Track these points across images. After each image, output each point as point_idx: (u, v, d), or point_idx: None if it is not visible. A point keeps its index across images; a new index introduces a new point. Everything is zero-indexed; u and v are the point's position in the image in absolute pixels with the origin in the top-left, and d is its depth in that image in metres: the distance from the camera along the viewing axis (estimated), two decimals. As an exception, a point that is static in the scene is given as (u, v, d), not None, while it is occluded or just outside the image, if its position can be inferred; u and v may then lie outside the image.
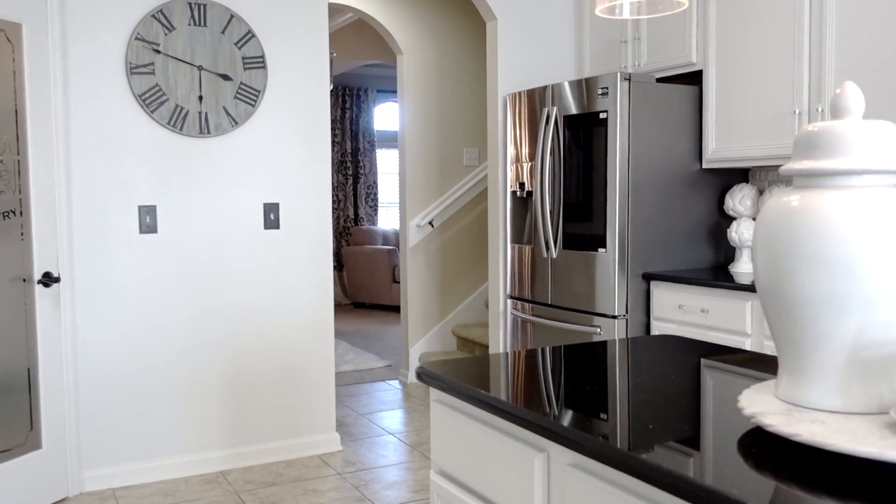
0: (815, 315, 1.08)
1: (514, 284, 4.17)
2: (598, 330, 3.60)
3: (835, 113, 1.15)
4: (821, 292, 1.07)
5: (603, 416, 1.30)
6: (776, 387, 1.19)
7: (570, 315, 3.78)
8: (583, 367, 1.68)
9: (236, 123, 3.63)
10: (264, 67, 3.67)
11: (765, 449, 1.09)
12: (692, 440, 1.17)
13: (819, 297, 1.07)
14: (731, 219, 3.81)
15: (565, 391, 1.48)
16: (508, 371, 1.64)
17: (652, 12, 1.77)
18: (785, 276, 1.10)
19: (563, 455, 1.28)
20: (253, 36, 3.64)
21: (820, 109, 3.10)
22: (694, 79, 3.76)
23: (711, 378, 1.58)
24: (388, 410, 4.73)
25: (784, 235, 1.10)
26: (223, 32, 3.58)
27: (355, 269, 8.98)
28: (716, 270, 3.62)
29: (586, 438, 1.19)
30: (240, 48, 3.61)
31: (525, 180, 4.05)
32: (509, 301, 4.22)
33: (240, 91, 3.62)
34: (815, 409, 1.11)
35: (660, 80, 3.73)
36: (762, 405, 1.15)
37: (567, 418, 1.28)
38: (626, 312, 3.54)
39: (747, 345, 3.11)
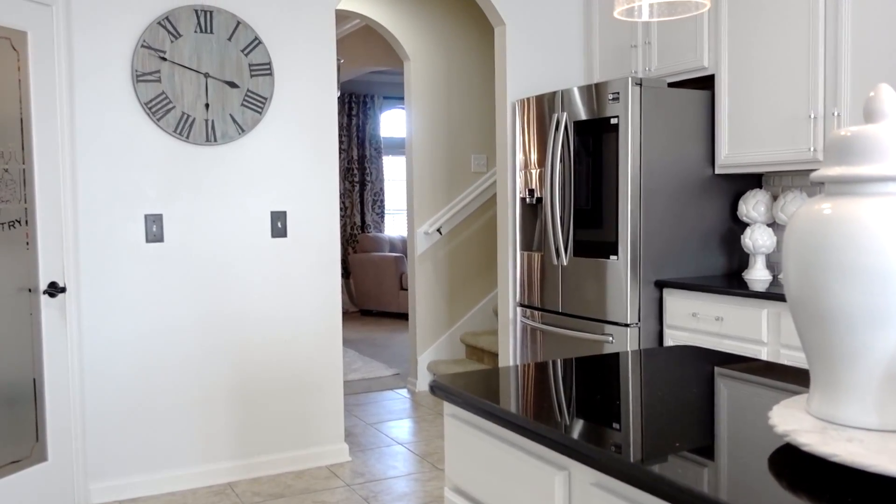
0: (851, 328, 1.03)
1: (524, 292, 4.13)
2: (610, 338, 3.55)
3: (868, 116, 1.10)
4: (857, 305, 1.02)
5: (626, 432, 1.25)
6: (808, 403, 1.15)
7: (581, 323, 3.73)
8: (601, 381, 1.63)
9: (243, 131, 3.60)
10: (271, 74, 3.63)
11: (799, 469, 1.04)
12: (721, 459, 1.13)
13: (855, 309, 1.02)
14: (744, 225, 3.76)
15: (585, 406, 1.43)
16: (525, 385, 1.60)
17: (672, 14, 1.72)
18: (818, 287, 1.05)
19: (585, 474, 1.23)
20: (260, 42, 3.60)
21: (836, 113, 3.04)
22: (706, 83, 3.72)
23: (735, 392, 1.53)
24: (396, 420, 4.68)
25: (816, 245, 1.05)
26: (230, 39, 3.54)
27: (362, 276, 8.94)
28: (729, 277, 3.57)
29: (609, 457, 1.14)
30: (246, 55, 3.58)
31: (534, 187, 4.00)
32: (519, 309, 4.17)
33: (246, 98, 3.59)
34: (851, 427, 1.06)
35: (671, 85, 3.69)
36: (794, 422, 1.10)
37: (588, 435, 1.23)
38: (639, 320, 3.49)
39: (763, 353, 3.06)
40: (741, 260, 3.79)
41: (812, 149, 3.14)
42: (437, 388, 1.59)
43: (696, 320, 3.32)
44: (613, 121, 3.49)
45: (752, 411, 1.37)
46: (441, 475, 3.69)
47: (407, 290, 8.26)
